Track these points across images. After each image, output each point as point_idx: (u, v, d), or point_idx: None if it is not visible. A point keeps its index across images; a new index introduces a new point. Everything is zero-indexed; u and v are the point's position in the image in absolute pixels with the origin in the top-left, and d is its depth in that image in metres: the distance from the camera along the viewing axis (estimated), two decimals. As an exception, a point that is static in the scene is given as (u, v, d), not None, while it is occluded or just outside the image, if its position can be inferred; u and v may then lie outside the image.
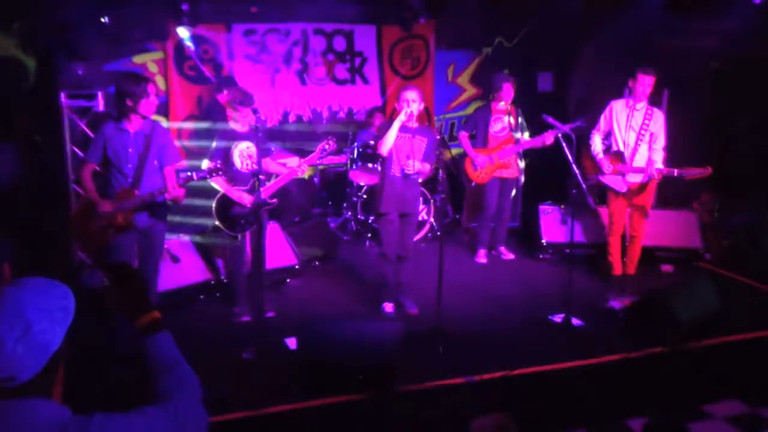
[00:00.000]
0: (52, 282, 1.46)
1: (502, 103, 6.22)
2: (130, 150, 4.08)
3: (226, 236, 4.77)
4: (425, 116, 7.99)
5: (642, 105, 5.32)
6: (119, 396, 3.64)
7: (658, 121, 5.35)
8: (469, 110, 8.10)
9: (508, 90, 6.19)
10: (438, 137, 4.85)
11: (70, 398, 1.46)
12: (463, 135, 6.39)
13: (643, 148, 5.34)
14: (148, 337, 1.61)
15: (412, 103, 4.83)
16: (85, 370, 3.72)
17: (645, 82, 5.20)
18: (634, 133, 5.33)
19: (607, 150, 5.50)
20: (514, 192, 6.68)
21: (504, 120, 6.26)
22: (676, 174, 5.12)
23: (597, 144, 5.48)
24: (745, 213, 6.59)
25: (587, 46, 7.65)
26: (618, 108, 5.41)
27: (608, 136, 5.52)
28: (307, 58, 7.68)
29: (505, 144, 6.25)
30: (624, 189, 5.37)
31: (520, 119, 6.31)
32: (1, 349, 1.32)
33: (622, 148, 5.38)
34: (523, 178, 6.76)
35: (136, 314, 1.62)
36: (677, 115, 5.63)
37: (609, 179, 5.42)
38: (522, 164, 6.64)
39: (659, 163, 5.30)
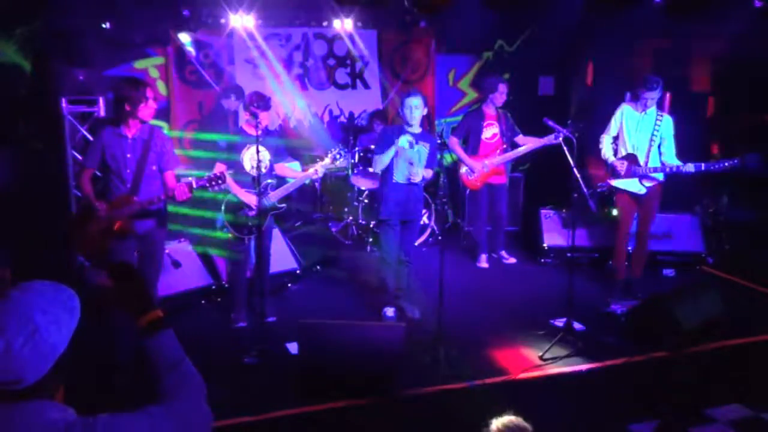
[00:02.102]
0: (58, 285, 1.47)
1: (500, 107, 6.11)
2: (128, 155, 4.04)
3: (232, 239, 4.77)
4: (426, 120, 7.98)
5: (652, 109, 5.27)
6: (119, 399, 3.62)
7: (669, 125, 5.29)
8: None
9: (503, 92, 6.08)
10: (439, 141, 4.81)
11: (70, 401, 1.46)
12: (454, 141, 6.21)
13: (655, 151, 5.29)
14: (151, 335, 1.60)
15: (415, 109, 4.75)
16: (86, 374, 3.71)
17: (647, 96, 5.16)
18: (645, 136, 5.28)
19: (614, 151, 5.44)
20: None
21: (495, 125, 6.19)
22: (703, 168, 5.01)
23: (608, 147, 5.38)
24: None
25: (588, 49, 7.65)
26: (629, 111, 5.34)
27: (616, 139, 5.45)
28: (308, 62, 7.69)
29: (497, 150, 6.19)
30: (644, 191, 5.29)
31: (512, 124, 6.21)
32: (8, 352, 1.32)
33: (632, 151, 5.32)
34: (507, 184, 6.59)
35: (138, 313, 1.62)
36: (678, 118, 5.61)
37: (626, 183, 5.31)
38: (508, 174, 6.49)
39: (683, 164, 5.18)
